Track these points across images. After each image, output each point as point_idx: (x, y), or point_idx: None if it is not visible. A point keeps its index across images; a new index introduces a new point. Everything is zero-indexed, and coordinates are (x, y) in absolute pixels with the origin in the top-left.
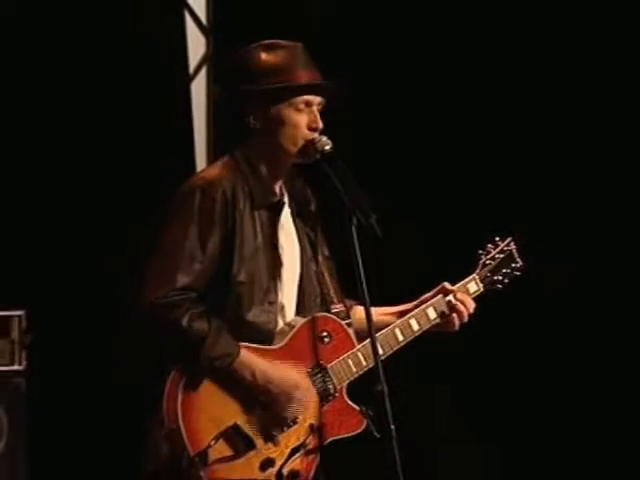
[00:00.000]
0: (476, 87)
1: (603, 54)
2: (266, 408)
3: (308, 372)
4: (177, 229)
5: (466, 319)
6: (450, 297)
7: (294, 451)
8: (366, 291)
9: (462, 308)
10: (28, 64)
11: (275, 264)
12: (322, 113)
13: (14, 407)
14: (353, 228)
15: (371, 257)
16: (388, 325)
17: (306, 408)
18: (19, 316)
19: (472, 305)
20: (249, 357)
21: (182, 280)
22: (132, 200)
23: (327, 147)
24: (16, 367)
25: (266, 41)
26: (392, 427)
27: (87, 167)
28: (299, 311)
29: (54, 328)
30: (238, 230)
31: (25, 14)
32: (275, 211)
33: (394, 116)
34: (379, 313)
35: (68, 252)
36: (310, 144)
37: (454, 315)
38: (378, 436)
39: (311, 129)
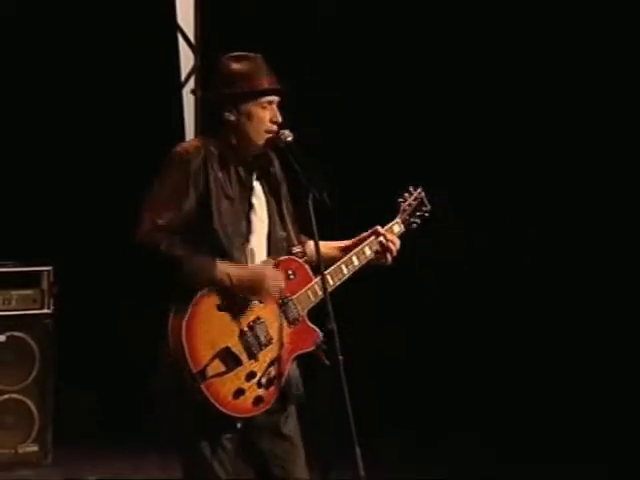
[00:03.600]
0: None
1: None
2: (249, 331)
3: (278, 302)
4: (161, 185)
5: (395, 254)
6: (381, 238)
7: (270, 364)
8: (319, 247)
9: (392, 247)
10: (41, 66)
11: (246, 216)
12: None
13: (44, 342)
14: (309, 201)
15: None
16: (334, 257)
17: (278, 329)
18: (48, 271)
19: (399, 243)
20: (223, 265)
21: (161, 221)
22: (138, 171)
23: (289, 138)
24: (45, 311)
25: (234, 53)
26: (340, 357)
27: (105, 149)
28: (269, 253)
29: (75, 280)
30: (213, 188)
31: (26, 15)
32: (245, 179)
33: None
34: (326, 247)
35: (87, 223)
36: (276, 136)
37: (387, 252)
38: (328, 364)
39: (272, 122)
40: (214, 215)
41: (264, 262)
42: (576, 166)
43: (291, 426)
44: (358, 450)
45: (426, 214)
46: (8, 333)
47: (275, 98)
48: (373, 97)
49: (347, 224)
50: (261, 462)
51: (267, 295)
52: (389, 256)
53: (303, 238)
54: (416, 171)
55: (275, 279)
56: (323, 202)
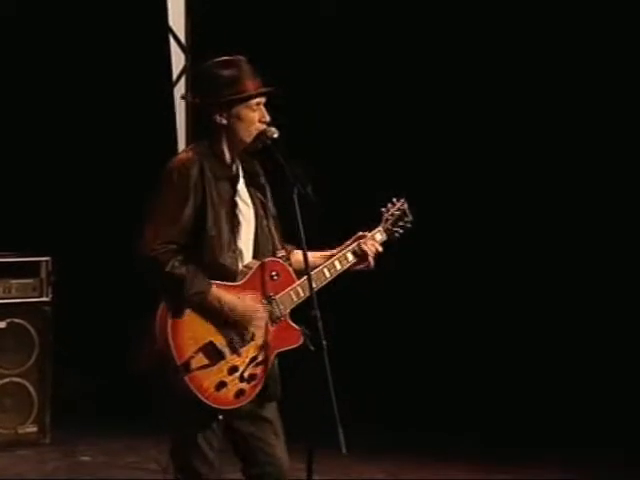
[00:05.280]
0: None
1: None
2: (232, 326)
3: (262, 302)
4: (162, 200)
5: (376, 259)
6: (363, 245)
7: (252, 360)
8: (304, 241)
9: (372, 252)
10: (39, 65)
11: (234, 222)
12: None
13: (43, 328)
14: (294, 196)
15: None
16: (318, 265)
17: (260, 328)
18: (46, 261)
19: (379, 249)
20: (218, 292)
21: (164, 236)
22: (132, 164)
23: (275, 135)
24: (44, 299)
25: (219, 59)
26: (324, 343)
27: (100, 144)
28: (255, 256)
29: (72, 269)
30: (208, 197)
31: (26, 15)
32: (233, 182)
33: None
34: (312, 256)
35: (84, 216)
36: (262, 133)
37: (368, 257)
38: (313, 349)
39: (261, 122)
40: (209, 222)
41: (247, 265)
42: (569, 165)
43: (271, 411)
44: (341, 431)
45: (408, 224)
46: (9, 320)
47: (262, 99)
48: (364, 100)
49: (336, 228)
50: (244, 445)
51: (248, 324)
52: (371, 261)
53: (289, 247)
54: (412, 172)
55: (261, 318)
56: (308, 197)
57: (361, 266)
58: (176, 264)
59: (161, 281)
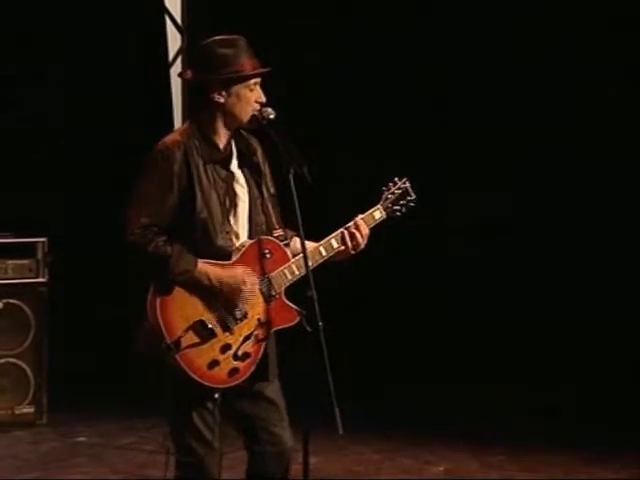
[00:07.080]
0: None
1: None
2: (223, 303)
3: (254, 279)
4: (144, 183)
5: (361, 241)
6: (352, 227)
7: (246, 338)
8: (300, 220)
9: (356, 233)
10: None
11: (227, 203)
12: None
13: (39, 309)
14: (290, 176)
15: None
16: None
17: (253, 305)
18: (43, 242)
19: (366, 229)
20: (205, 267)
21: (146, 220)
22: (128, 145)
23: (271, 116)
24: (40, 279)
25: (217, 37)
26: (320, 323)
27: (97, 123)
28: (250, 236)
29: (68, 250)
30: (195, 180)
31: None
32: (224, 163)
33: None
34: (316, 246)
35: (79, 199)
36: (258, 113)
37: (351, 240)
38: (309, 329)
39: (257, 102)
40: (199, 204)
41: (241, 243)
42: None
43: (273, 390)
44: (337, 411)
45: (411, 203)
46: (5, 300)
47: (259, 79)
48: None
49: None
50: (247, 425)
51: (239, 297)
52: (349, 242)
53: (290, 233)
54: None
55: (251, 292)
56: (303, 177)
57: (342, 248)
58: (160, 244)
59: (145, 263)
